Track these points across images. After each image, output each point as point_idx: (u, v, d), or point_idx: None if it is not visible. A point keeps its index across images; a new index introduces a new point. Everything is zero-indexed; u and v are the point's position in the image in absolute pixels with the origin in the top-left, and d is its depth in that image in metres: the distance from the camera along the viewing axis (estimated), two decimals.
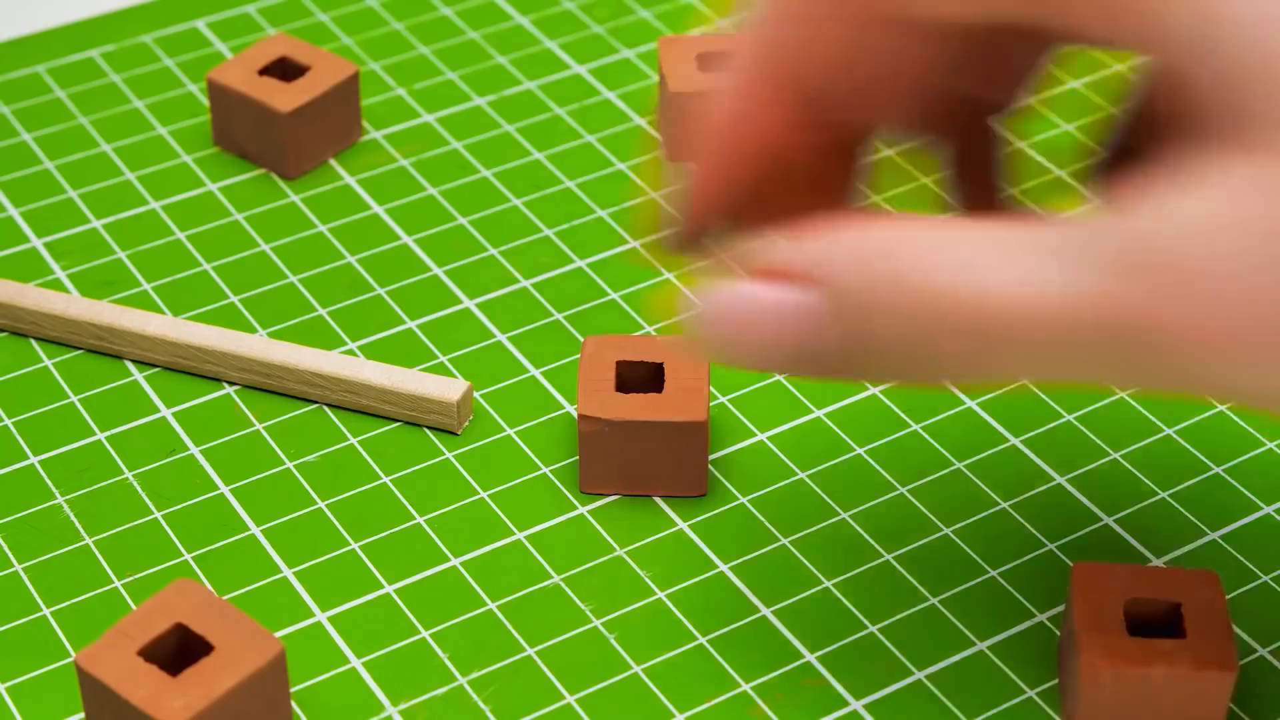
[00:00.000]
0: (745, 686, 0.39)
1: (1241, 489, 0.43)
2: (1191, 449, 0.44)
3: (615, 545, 0.42)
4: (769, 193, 0.37)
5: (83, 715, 0.38)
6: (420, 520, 0.42)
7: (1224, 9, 0.30)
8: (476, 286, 0.48)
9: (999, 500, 0.43)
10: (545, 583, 0.41)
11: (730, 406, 0.45)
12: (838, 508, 0.43)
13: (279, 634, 0.40)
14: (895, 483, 0.43)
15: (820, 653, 0.40)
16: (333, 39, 0.56)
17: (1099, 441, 0.44)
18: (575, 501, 0.43)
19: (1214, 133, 0.30)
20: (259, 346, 0.44)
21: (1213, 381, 0.30)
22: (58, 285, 0.48)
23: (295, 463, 0.44)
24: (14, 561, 0.41)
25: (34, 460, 0.44)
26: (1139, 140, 0.36)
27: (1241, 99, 0.29)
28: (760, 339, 0.34)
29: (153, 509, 0.43)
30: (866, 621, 0.40)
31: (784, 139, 0.36)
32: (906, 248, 0.32)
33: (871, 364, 0.33)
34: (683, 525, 0.42)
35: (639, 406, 0.42)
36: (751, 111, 0.36)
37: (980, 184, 0.38)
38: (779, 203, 0.38)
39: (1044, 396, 0.45)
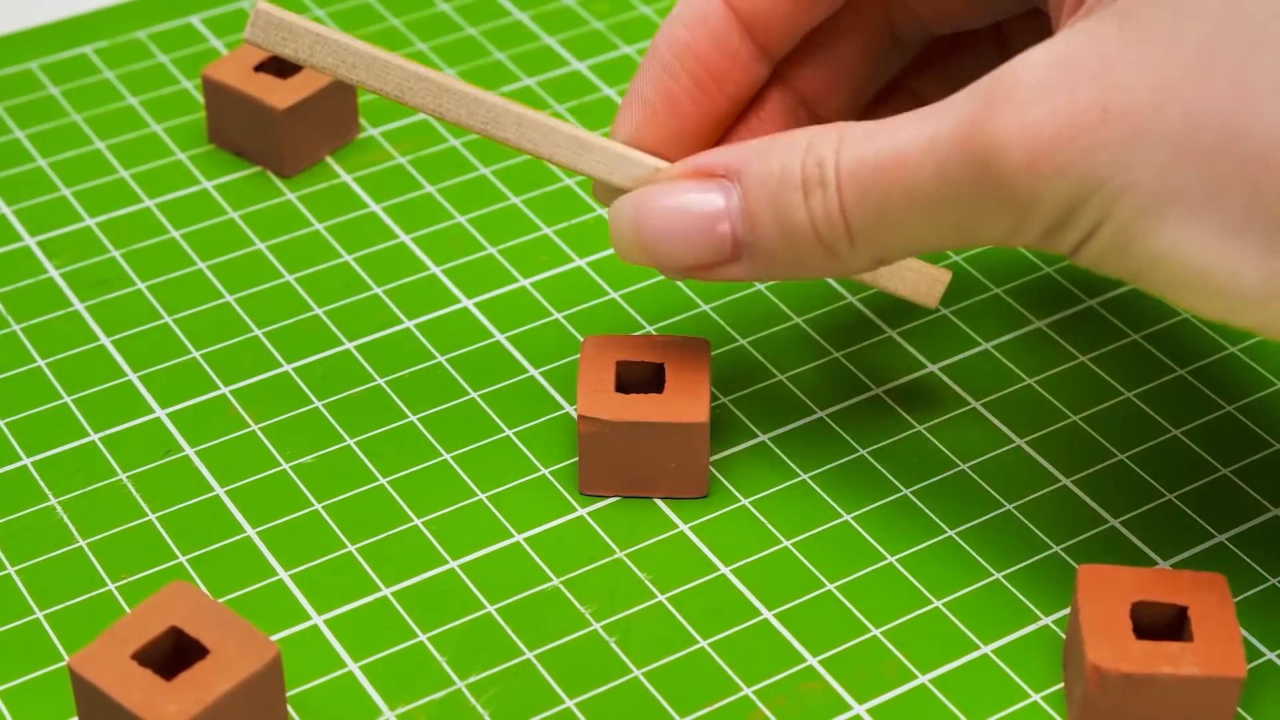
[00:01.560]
0: (746, 690, 0.39)
1: (1249, 491, 0.43)
2: (1198, 450, 0.44)
3: (615, 547, 0.42)
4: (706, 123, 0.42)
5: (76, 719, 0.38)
6: (418, 522, 0.42)
7: None
8: (474, 285, 0.48)
9: (1003, 502, 0.43)
10: (544, 585, 0.41)
11: (731, 407, 0.45)
12: (840, 509, 0.42)
13: (275, 637, 0.40)
14: (898, 484, 0.43)
15: (822, 656, 0.39)
16: None
17: (1105, 443, 0.44)
18: (575, 503, 0.43)
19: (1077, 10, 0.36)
20: None
21: (1029, 195, 0.35)
22: (50, 285, 0.48)
23: (291, 464, 0.43)
24: (6, 564, 0.41)
25: (27, 461, 0.43)
26: None
27: None
28: (684, 231, 0.39)
29: (147, 511, 0.42)
30: (869, 624, 0.40)
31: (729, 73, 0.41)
32: (808, 135, 0.38)
33: (781, 249, 0.38)
34: (684, 527, 0.42)
35: (639, 407, 0.41)
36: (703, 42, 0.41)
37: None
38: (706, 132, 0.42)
39: (1049, 397, 0.45)
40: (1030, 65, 0.35)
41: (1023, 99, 0.34)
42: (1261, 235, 0.34)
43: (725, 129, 0.42)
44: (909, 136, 0.36)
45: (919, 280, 0.43)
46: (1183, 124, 0.34)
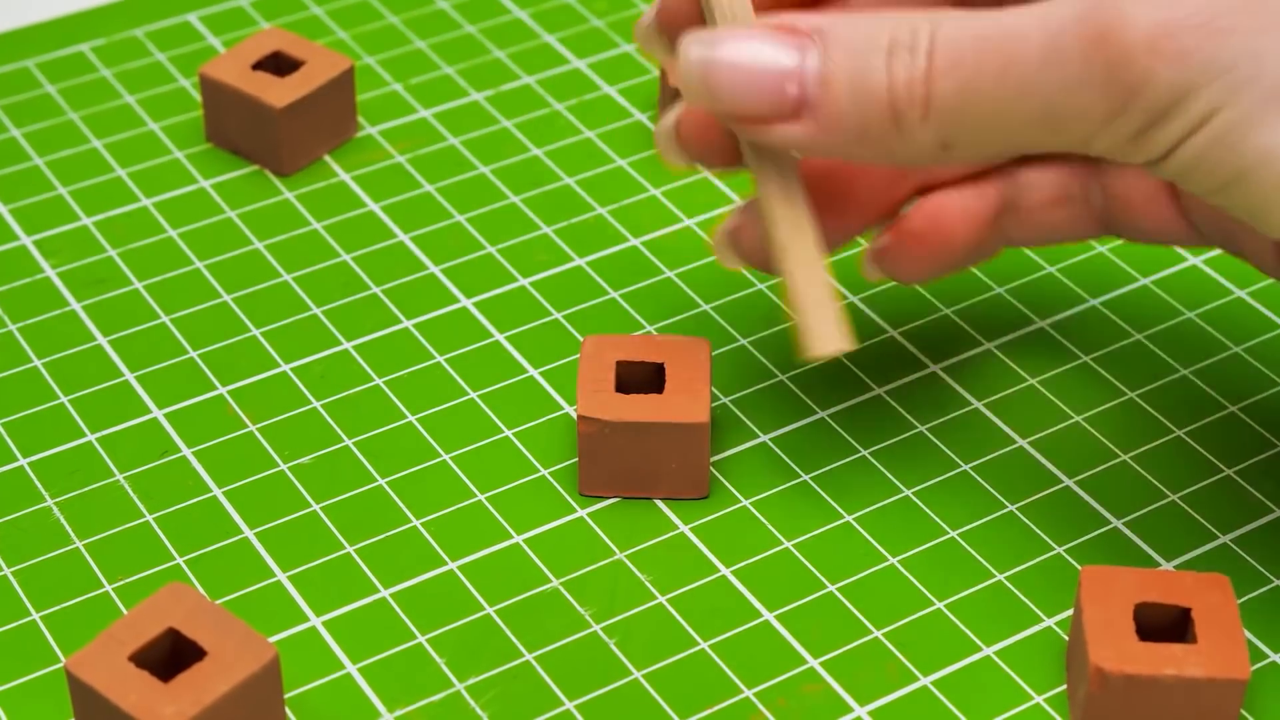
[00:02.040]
0: (747, 692, 0.39)
1: (1253, 491, 0.43)
2: (1202, 450, 0.43)
3: (615, 548, 0.41)
4: None
5: None
6: (417, 523, 0.42)
7: None
8: (474, 285, 0.48)
9: (1006, 503, 0.42)
10: (544, 586, 0.41)
11: (732, 407, 0.44)
12: (841, 510, 0.42)
13: (273, 639, 0.40)
14: (900, 485, 0.43)
15: (824, 658, 0.39)
16: (327, 33, 0.56)
17: (1108, 443, 0.44)
18: (575, 504, 0.42)
19: None
20: None
21: (1142, 77, 0.33)
22: (47, 284, 0.48)
23: (289, 464, 0.43)
24: (3, 565, 0.41)
25: (23, 462, 0.43)
26: None
27: None
28: (751, 78, 0.37)
29: (144, 511, 0.42)
30: (871, 626, 0.40)
31: None
32: (906, 13, 0.36)
33: (848, 108, 0.36)
34: (684, 528, 0.42)
35: (639, 407, 0.41)
36: None
37: None
38: None
39: (1051, 397, 0.45)
40: None
41: None
42: None
43: None
44: (1019, 12, 0.35)
45: (829, 320, 0.38)
46: None
